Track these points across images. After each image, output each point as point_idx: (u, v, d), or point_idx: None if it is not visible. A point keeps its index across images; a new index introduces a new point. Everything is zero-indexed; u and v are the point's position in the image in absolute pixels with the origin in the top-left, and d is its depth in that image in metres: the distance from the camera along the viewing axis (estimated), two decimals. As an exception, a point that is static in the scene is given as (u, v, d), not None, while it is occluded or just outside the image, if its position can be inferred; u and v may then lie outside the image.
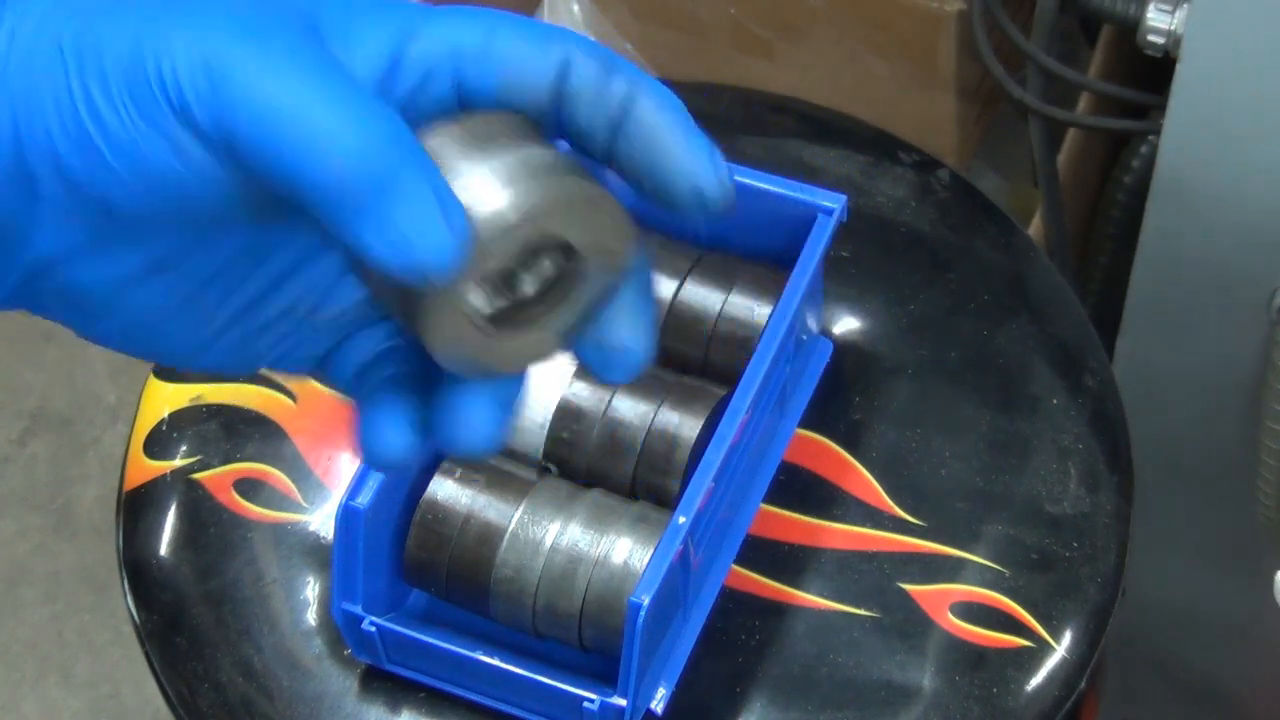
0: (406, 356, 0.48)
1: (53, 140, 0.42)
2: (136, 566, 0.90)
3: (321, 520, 0.89)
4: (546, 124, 0.45)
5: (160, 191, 0.42)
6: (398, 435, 0.47)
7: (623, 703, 0.78)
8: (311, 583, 0.88)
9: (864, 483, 0.89)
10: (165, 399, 0.94)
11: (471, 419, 0.46)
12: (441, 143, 0.43)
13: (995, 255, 0.97)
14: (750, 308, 0.87)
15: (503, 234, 0.42)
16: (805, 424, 0.90)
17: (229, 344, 0.46)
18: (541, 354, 0.46)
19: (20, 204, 0.42)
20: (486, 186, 0.43)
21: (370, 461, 0.48)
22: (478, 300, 0.43)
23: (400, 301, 0.44)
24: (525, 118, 0.44)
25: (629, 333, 0.46)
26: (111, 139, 0.41)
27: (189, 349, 0.46)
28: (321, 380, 0.49)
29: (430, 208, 0.41)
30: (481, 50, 0.44)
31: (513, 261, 0.44)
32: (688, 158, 0.45)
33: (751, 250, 0.89)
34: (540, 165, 0.43)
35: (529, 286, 0.45)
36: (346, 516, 0.78)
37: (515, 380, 0.46)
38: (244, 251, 0.45)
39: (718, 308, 0.87)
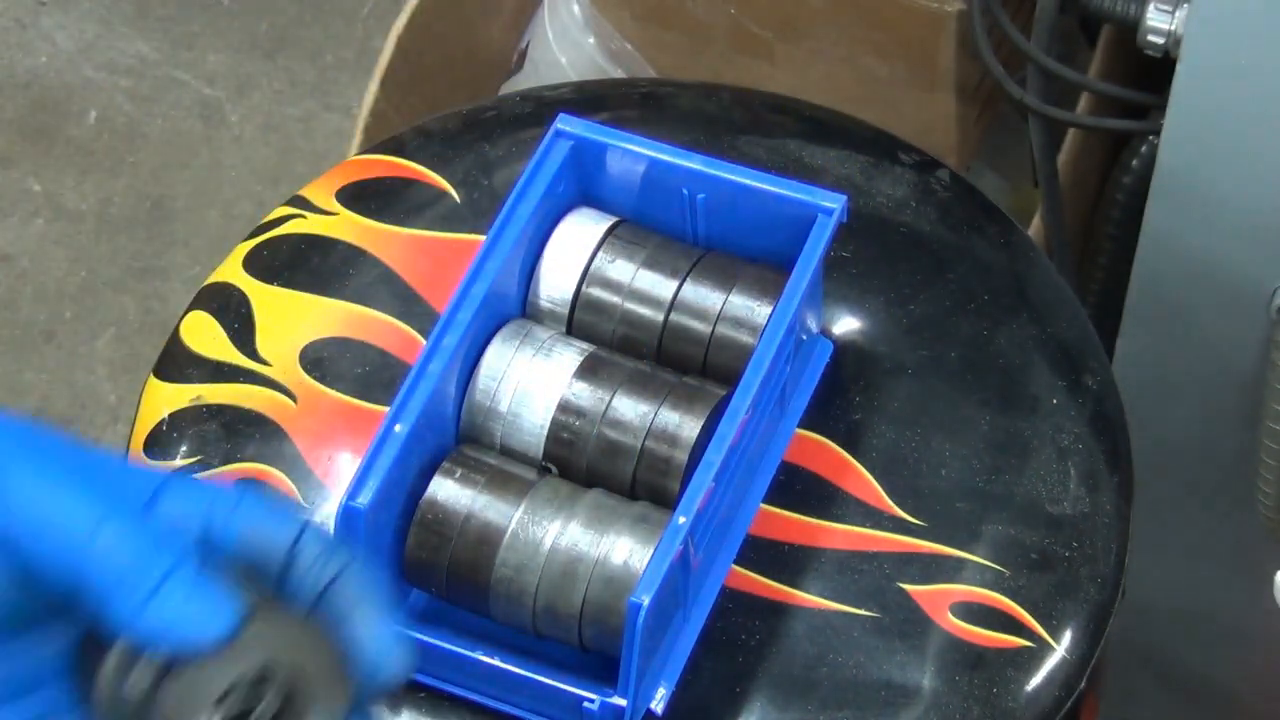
0: None
1: None
2: (136, 566, 0.90)
3: (321, 520, 0.89)
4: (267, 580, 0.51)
5: None
6: None
7: (623, 703, 0.78)
8: (311, 583, 0.88)
9: (864, 483, 0.89)
10: (165, 399, 0.93)
11: None
12: None
13: (995, 255, 0.97)
14: (750, 308, 0.87)
15: (238, 653, 0.49)
16: (805, 424, 0.90)
17: None
18: None
19: None
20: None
21: None
22: None
23: None
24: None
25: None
26: None
27: None
28: None
29: (199, 594, 0.48)
30: (230, 512, 0.51)
31: (240, 687, 0.49)
32: (373, 629, 0.50)
33: (751, 250, 0.89)
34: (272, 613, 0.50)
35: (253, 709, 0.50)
36: (346, 516, 0.78)
37: None
38: None
39: (718, 308, 0.87)
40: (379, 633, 0.50)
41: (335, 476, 0.90)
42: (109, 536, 0.48)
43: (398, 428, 0.80)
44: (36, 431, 0.50)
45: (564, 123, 0.88)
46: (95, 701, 0.49)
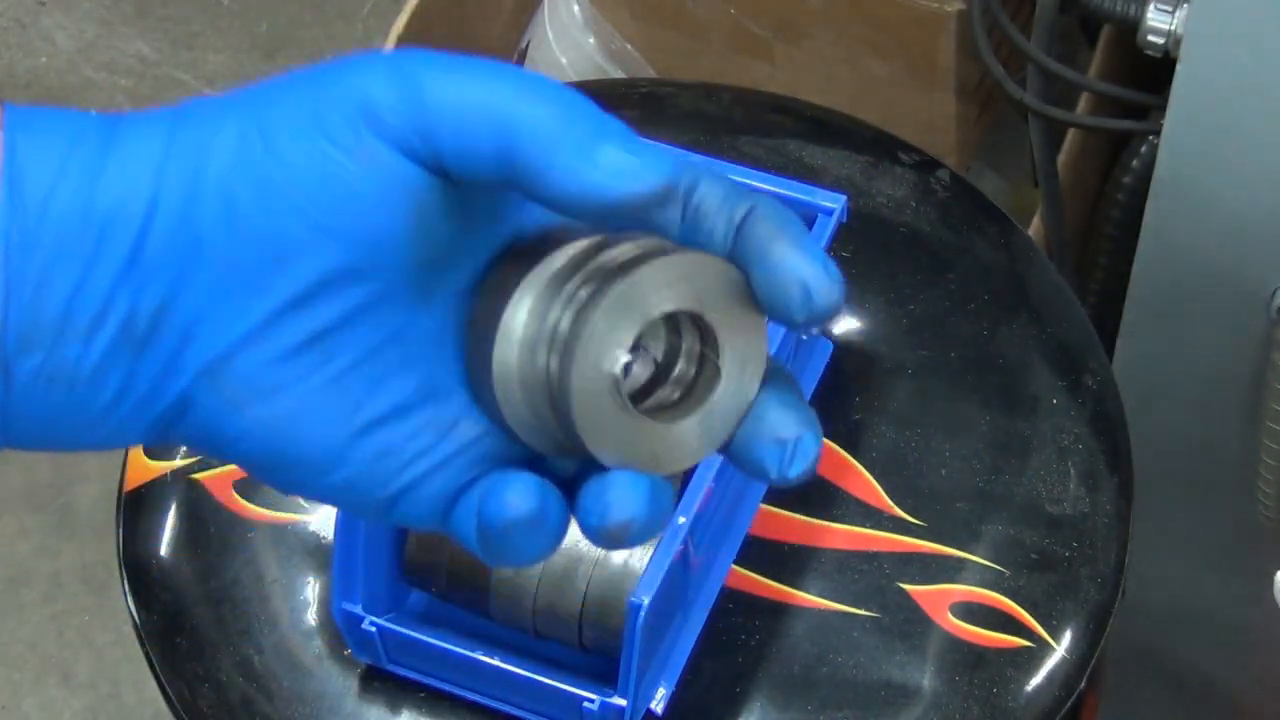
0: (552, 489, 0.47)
1: (229, 181, 0.44)
2: (137, 566, 0.90)
3: (321, 520, 0.89)
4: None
5: (340, 221, 0.44)
6: (523, 498, 0.46)
7: (623, 703, 0.78)
8: (311, 583, 0.88)
9: (864, 483, 0.89)
10: (165, 399, 0.93)
11: (620, 492, 0.45)
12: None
13: (995, 255, 0.97)
14: (750, 308, 0.87)
15: (648, 298, 0.44)
16: (805, 424, 0.90)
17: (364, 455, 0.45)
18: (690, 449, 0.45)
19: (184, 257, 0.43)
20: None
21: (495, 530, 0.46)
22: (624, 370, 0.44)
23: (551, 388, 0.44)
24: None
25: (795, 421, 0.47)
26: (292, 169, 0.44)
27: (325, 453, 0.45)
28: (446, 532, 0.48)
29: (634, 141, 0.44)
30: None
31: (657, 337, 0.45)
32: (800, 258, 0.45)
33: (751, 250, 0.89)
34: (690, 261, 0.44)
35: (670, 365, 0.46)
36: (347, 516, 0.78)
37: (666, 484, 0.46)
38: (393, 338, 0.46)
39: (718, 308, 0.87)
40: (804, 261, 0.45)
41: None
42: (534, 103, 0.44)
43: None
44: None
45: (564, 123, 0.88)
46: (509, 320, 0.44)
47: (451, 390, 0.46)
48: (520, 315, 0.45)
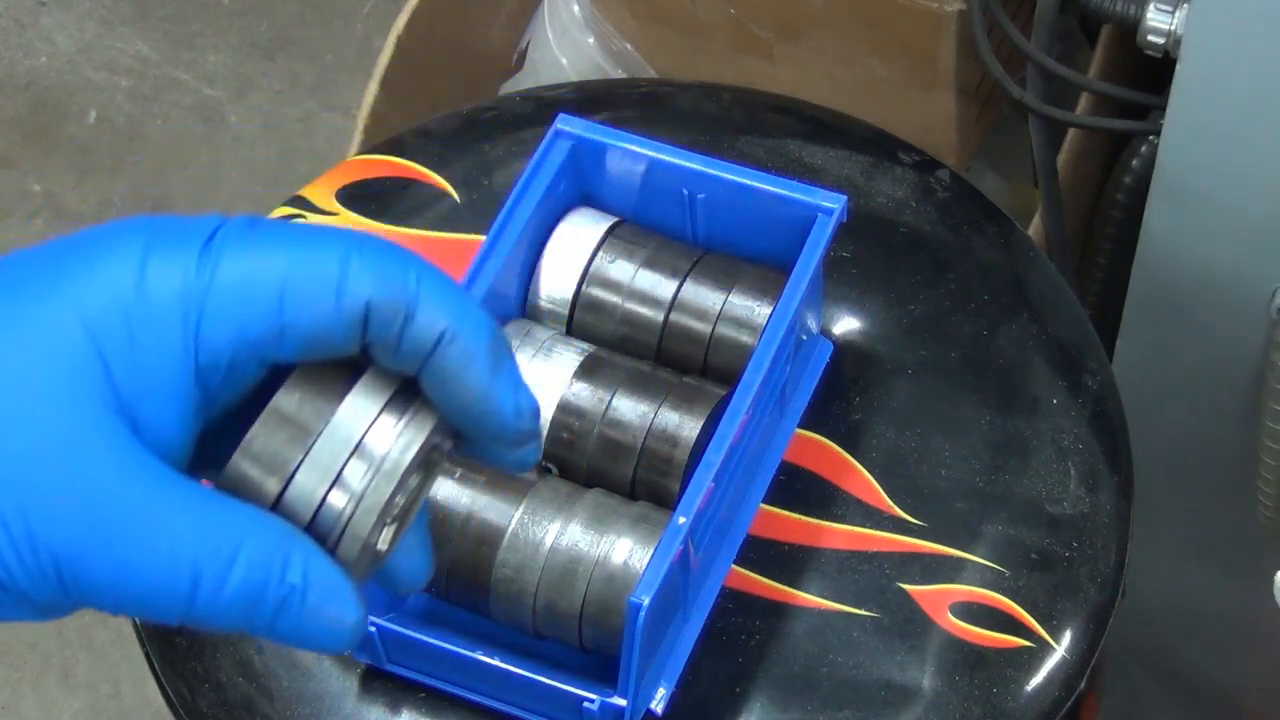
0: None
1: None
2: (136, 566, 0.90)
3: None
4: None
5: None
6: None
7: (623, 703, 0.78)
8: (311, 583, 0.88)
9: (864, 483, 0.89)
10: (165, 399, 0.93)
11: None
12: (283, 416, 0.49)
13: (995, 255, 0.97)
14: (750, 308, 0.87)
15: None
16: (805, 424, 0.90)
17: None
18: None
19: None
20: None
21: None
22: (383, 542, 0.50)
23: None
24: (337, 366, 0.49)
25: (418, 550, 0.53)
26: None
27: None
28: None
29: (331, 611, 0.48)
30: (276, 332, 0.48)
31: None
32: (489, 396, 0.49)
33: (751, 250, 0.89)
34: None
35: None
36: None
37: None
38: None
39: (718, 308, 0.87)
40: (491, 393, 0.49)
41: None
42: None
43: (398, 428, 0.80)
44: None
45: (564, 123, 0.88)
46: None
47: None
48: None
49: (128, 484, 0.45)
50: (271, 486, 0.48)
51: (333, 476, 0.48)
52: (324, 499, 0.48)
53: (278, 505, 0.48)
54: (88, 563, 0.45)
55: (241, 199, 1.90)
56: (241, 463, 0.48)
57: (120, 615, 0.47)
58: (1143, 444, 0.94)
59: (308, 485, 0.48)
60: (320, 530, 0.48)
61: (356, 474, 0.48)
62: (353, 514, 0.48)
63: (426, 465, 0.50)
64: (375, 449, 0.48)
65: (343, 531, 0.48)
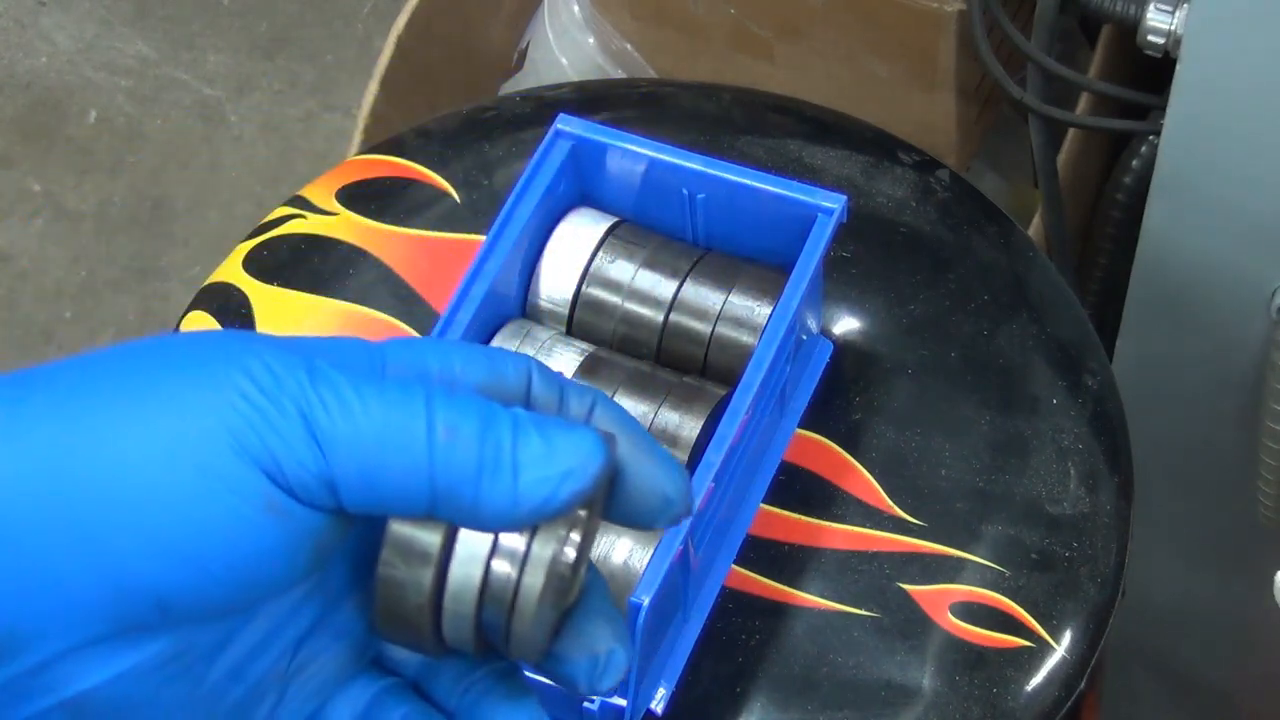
0: (400, 695, 0.49)
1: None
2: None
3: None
4: None
5: (230, 574, 0.42)
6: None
7: (623, 703, 0.78)
8: (311, 583, 0.88)
9: (864, 483, 0.89)
10: (165, 399, 0.93)
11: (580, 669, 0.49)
12: None
13: (995, 255, 0.97)
14: (750, 308, 0.87)
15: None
16: (805, 424, 0.90)
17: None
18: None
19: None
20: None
21: None
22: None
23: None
24: None
25: (609, 635, 0.49)
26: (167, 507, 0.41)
27: None
28: None
29: (549, 439, 0.44)
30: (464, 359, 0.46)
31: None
32: (658, 474, 0.47)
33: (751, 250, 0.89)
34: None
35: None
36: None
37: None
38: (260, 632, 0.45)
39: (718, 308, 0.87)
40: (666, 468, 0.47)
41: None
42: (447, 444, 0.42)
43: (398, 428, 0.80)
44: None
45: (564, 123, 0.88)
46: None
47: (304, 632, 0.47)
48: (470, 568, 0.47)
49: None
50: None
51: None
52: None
53: None
54: None
55: (241, 199, 1.90)
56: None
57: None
58: (1143, 444, 0.94)
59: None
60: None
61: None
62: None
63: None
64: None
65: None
